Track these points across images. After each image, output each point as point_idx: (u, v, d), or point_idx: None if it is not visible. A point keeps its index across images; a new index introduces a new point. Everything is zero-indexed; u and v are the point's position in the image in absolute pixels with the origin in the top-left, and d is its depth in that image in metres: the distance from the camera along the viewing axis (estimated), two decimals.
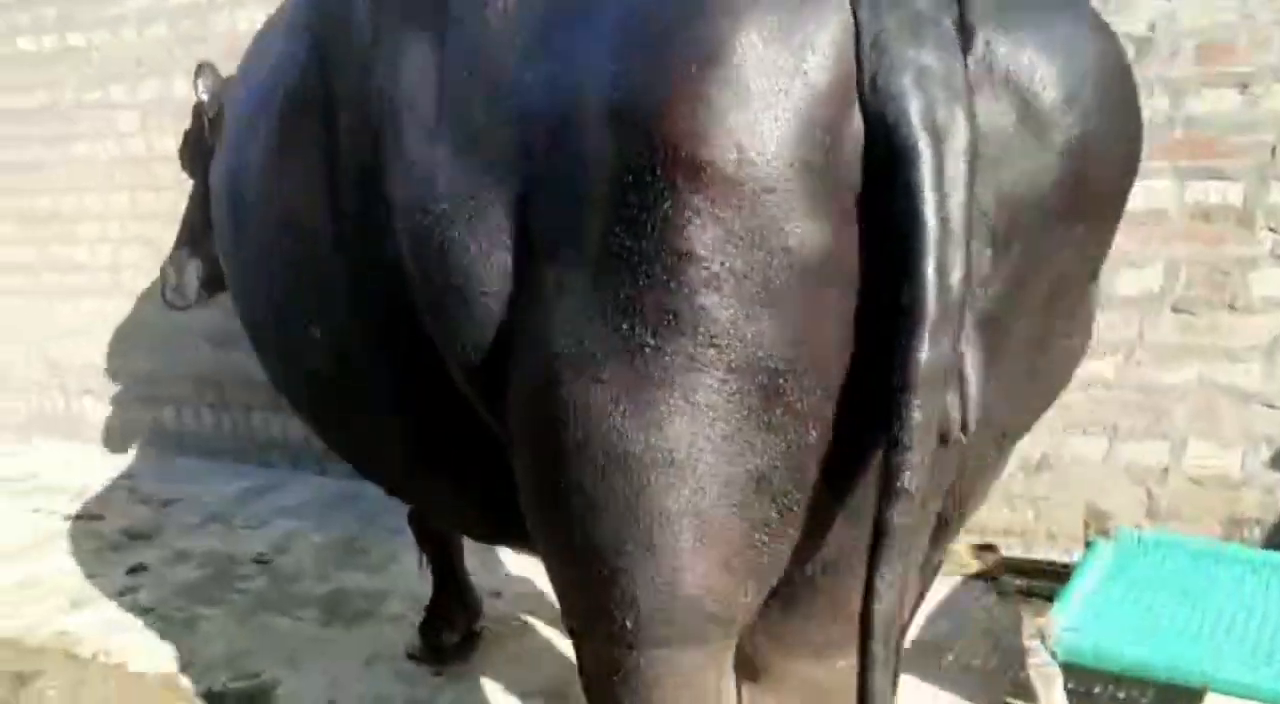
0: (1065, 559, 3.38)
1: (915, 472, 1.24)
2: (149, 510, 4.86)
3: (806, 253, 1.22)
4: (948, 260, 1.18)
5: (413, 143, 1.51)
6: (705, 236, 1.21)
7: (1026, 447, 3.50)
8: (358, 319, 1.78)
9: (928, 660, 3.04)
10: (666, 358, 1.27)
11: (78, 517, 4.80)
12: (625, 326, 1.27)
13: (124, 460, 5.65)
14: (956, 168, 1.17)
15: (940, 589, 3.39)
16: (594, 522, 1.39)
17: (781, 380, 1.27)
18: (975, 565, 3.50)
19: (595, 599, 1.46)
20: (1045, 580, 3.30)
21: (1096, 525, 3.06)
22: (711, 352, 1.25)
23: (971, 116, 1.19)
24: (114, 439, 5.84)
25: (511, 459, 1.54)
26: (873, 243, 1.23)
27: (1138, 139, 1.40)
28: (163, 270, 3.73)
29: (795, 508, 1.37)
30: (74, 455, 5.76)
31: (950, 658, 3.05)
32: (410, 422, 1.86)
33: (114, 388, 5.75)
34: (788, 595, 1.54)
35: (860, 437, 1.33)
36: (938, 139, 1.16)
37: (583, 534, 1.41)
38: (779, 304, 1.24)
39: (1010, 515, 3.56)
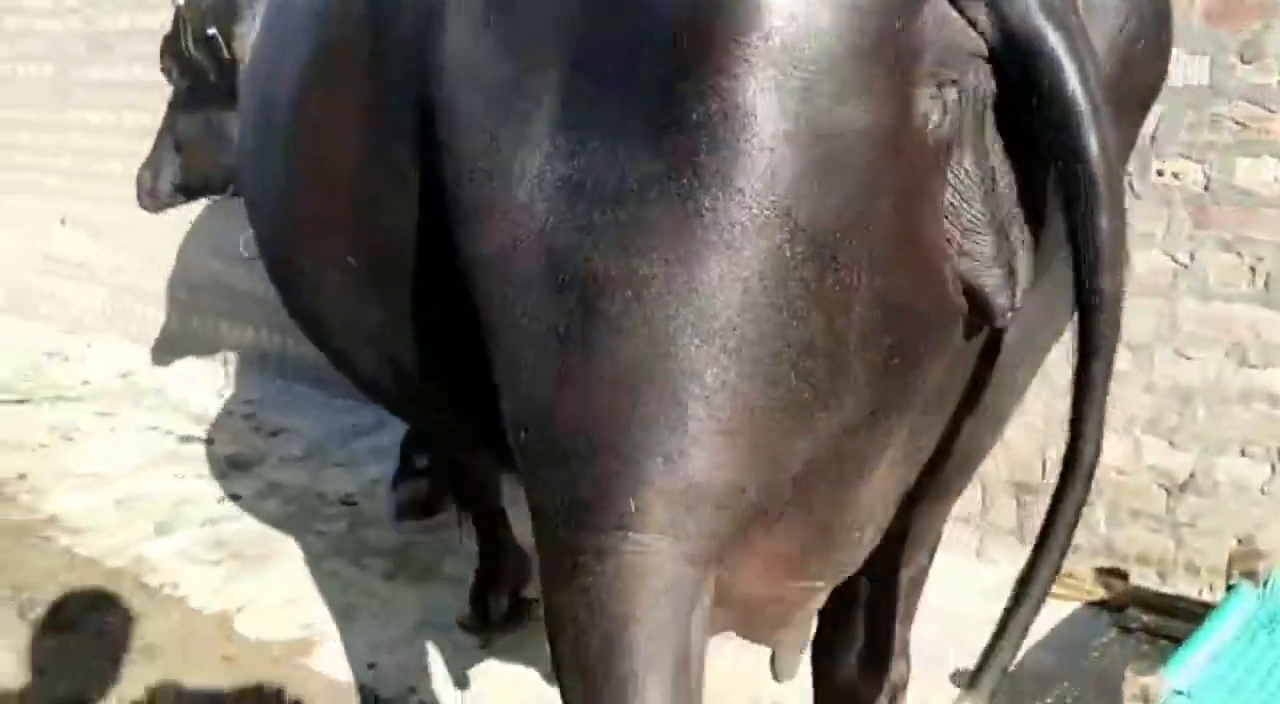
0: (1204, 598, 2.91)
1: (1115, 331, 1.27)
2: (257, 438, 4.89)
3: (867, 123, 1.22)
4: (1105, 136, 1.20)
5: (459, 39, 1.49)
6: (766, 100, 1.21)
7: (1172, 461, 3.02)
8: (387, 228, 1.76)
9: (1024, 693, 2.66)
10: (725, 221, 1.25)
11: (188, 438, 4.87)
12: (687, 193, 1.25)
13: (248, 385, 5.72)
14: (1086, 47, 1.21)
15: (1053, 614, 2.98)
16: (599, 392, 1.35)
17: (836, 251, 1.26)
18: (1099, 592, 3.07)
19: (597, 477, 1.38)
20: (1177, 620, 2.84)
21: (1244, 565, 2.58)
22: (770, 215, 1.24)
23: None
24: (243, 363, 5.93)
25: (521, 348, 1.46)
26: (933, 125, 1.24)
27: (1169, 30, 1.44)
28: (139, 174, 3.69)
29: (827, 392, 1.34)
30: (203, 375, 5.88)
31: (1049, 701, 2.66)
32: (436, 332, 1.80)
33: (247, 312, 5.81)
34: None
35: (901, 321, 1.33)
36: (1061, 23, 1.20)
37: (598, 402, 1.36)
38: (839, 172, 1.24)
39: (1146, 538, 3.09)
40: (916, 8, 1.21)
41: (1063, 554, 1.37)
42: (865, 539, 1.67)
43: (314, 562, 3.61)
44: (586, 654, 1.46)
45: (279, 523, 3.93)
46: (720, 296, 1.28)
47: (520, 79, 1.40)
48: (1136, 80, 1.40)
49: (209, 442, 4.84)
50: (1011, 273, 1.34)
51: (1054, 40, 1.20)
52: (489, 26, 1.45)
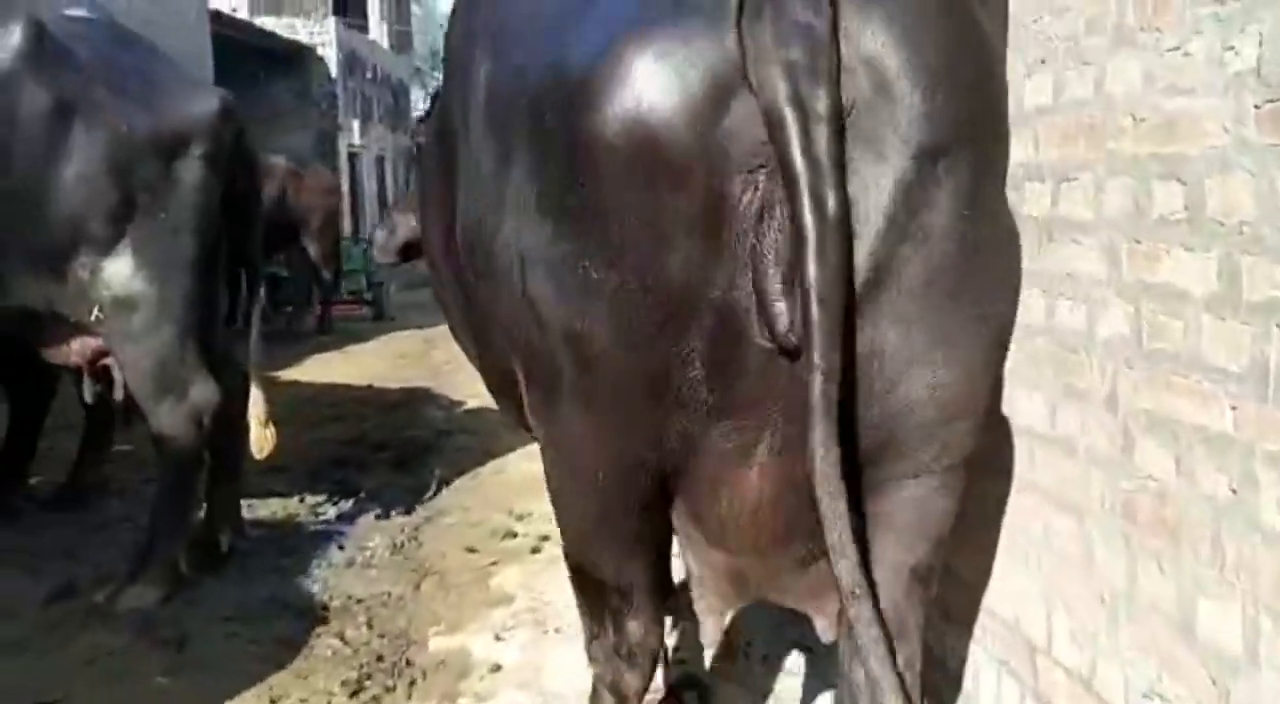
0: None
1: (827, 353, 1.61)
2: None
3: (700, 206, 1.66)
4: (822, 191, 1.58)
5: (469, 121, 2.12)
6: (624, 195, 1.69)
7: None
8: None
9: None
10: (603, 283, 1.74)
11: None
12: (576, 262, 1.76)
13: None
14: (819, 127, 1.58)
15: None
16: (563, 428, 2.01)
17: (680, 304, 1.71)
18: None
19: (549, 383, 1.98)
20: None
21: None
22: (633, 280, 1.71)
23: (832, 89, 1.60)
24: None
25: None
26: (749, 200, 1.67)
27: (972, 85, 1.75)
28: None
29: (677, 402, 1.82)
30: None
31: None
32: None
33: None
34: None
35: (740, 352, 1.77)
36: (801, 109, 1.58)
37: (550, 430, 2.07)
38: (681, 246, 1.68)
39: None
40: (724, 110, 1.63)
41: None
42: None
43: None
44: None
45: None
46: (601, 340, 1.79)
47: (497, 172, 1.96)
48: (936, 124, 1.68)
49: None
50: (805, 316, 1.62)
51: (786, 117, 1.58)
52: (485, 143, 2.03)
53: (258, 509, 5.39)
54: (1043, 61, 2.41)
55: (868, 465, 1.82)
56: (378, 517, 5.40)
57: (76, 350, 4.20)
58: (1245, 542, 1.75)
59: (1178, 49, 1.90)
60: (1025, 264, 2.01)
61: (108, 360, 4.22)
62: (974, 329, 1.80)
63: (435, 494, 5.80)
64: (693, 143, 1.63)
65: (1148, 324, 2.02)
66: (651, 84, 1.63)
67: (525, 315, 1.89)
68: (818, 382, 1.60)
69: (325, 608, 4.22)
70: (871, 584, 1.68)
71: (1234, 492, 1.77)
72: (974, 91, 1.75)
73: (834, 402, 1.62)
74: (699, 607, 2.28)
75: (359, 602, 4.29)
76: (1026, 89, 2.47)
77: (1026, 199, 2.47)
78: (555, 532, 2.39)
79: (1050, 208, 2.40)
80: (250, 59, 16.87)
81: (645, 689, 2.32)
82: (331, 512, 5.52)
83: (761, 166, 1.63)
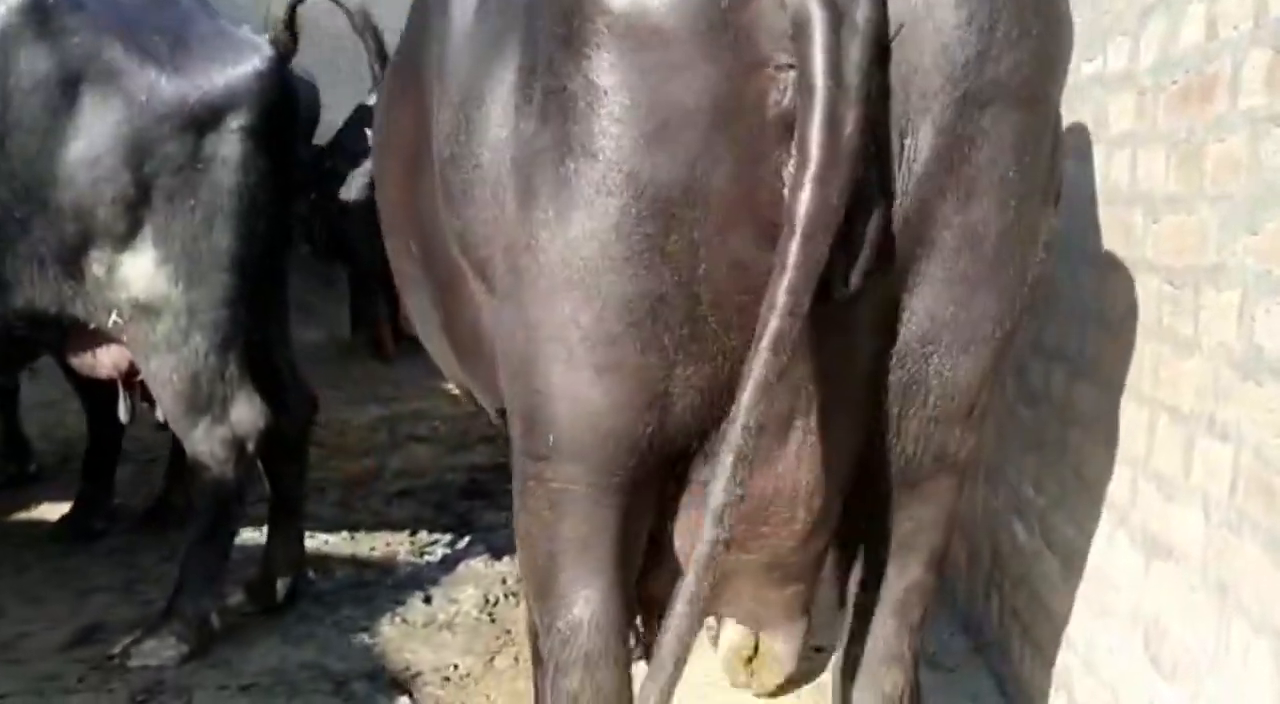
0: None
1: (787, 315, 1.42)
2: None
3: (702, 98, 1.47)
4: (839, 116, 1.40)
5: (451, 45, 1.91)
6: (613, 76, 1.49)
7: None
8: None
9: None
10: (584, 182, 1.53)
11: None
12: (560, 158, 1.55)
13: None
14: (854, 40, 1.40)
15: None
16: (521, 338, 1.68)
17: (676, 211, 1.51)
18: None
19: (527, 413, 1.72)
20: None
21: None
22: (618, 177, 1.51)
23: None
24: None
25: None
26: (773, 101, 1.48)
27: (1047, 17, 1.58)
28: None
29: (687, 339, 1.58)
30: None
31: None
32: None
33: None
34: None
35: (750, 281, 1.52)
36: (834, 10, 1.39)
37: (512, 351, 1.73)
38: (676, 141, 1.48)
39: None
40: None
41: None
42: (799, 518, 1.79)
43: None
44: (534, 566, 1.80)
45: None
46: (585, 248, 1.55)
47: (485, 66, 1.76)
48: (1000, 69, 1.52)
49: None
50: (852, 251, 1.50)
51: (815, 17, 1.39)
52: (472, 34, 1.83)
53: (361, 544, 4.76)
54: None
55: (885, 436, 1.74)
56: (487, 561, 4.62)
57: (107, 362, 3.62)
58: None
59: None
60: None
61: None
62: (1003, 297, 1.68)
63: None
64: (696, 18, 1.46)
65: None
66: None
67: (506, 230, 1.68)
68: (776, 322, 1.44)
69: (372, 679, 3.47)
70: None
71: None
72: (1041, 42, 1.57)
73: (777, 373, 1.46)
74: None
75: (415, 675, 3.51)
76: None
77: None
78: None
79: None
80: None
81: None
82: (440, 552, 4.79)
83: (791, 66, 1.45)
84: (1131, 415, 2.31)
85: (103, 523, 4.64)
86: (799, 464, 1.74)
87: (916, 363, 1.67)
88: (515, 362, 1.70)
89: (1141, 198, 2.30)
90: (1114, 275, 2.42)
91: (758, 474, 1.70)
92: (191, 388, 3.50)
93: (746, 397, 1.45)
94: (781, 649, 2.17)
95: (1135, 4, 2.37)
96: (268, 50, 3.51)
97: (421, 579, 4.44)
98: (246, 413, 3.58)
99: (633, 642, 2.19)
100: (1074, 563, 2.59)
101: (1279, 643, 1.70)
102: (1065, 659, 2.64)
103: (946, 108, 1.50)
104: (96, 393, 4.38)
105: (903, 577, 1.88)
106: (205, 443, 3.56)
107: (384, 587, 4.33)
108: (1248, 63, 1.83)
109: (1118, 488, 2.37)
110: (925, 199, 1.54)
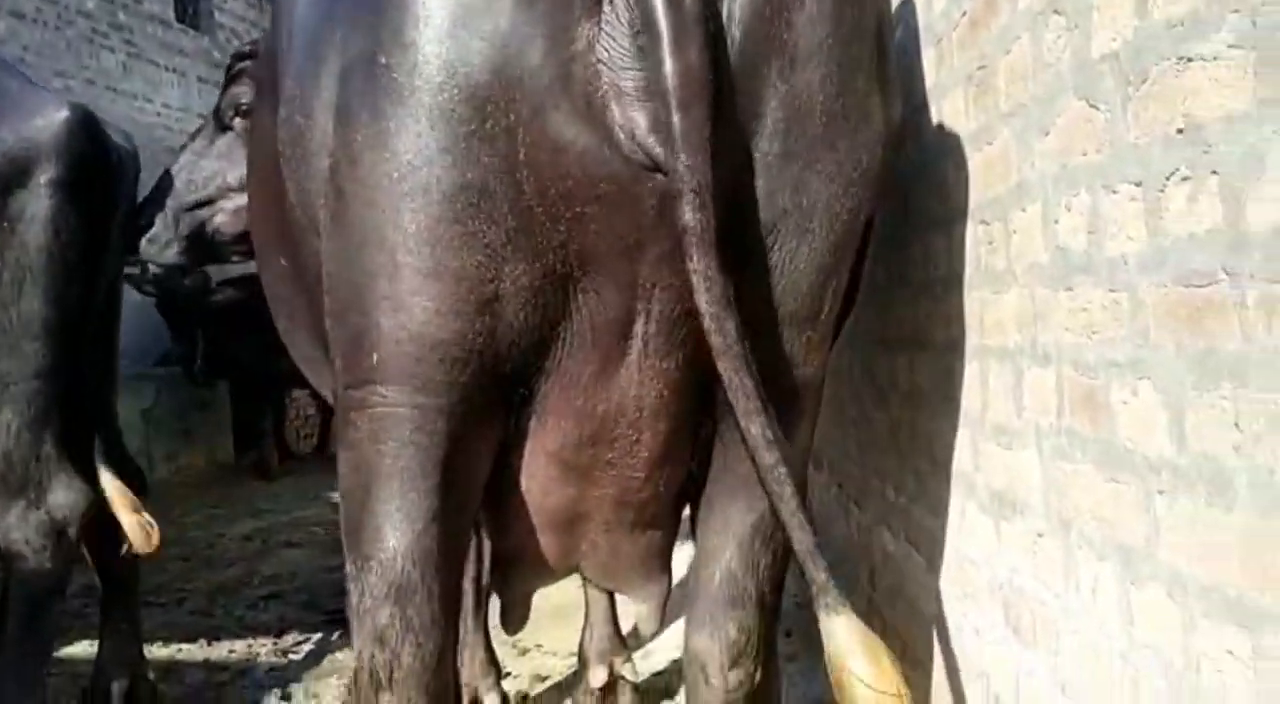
0: None
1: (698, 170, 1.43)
2: None
3: None
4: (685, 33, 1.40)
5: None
6: None
7: None
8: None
9: None
10: (396, 76, 1.50)
11: None
12: (371, 55, 1.53)
13: None
14: None
15: None
16: (344, 263, 1.61)
17: (489, 93, 1.47)
18: None
19: (351, 335, 1.62)
20: None
21: None
22: (427, 66, 1.48)
23: None
24: None
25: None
26: None
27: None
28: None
29: (515, 232, 1.51)
30: None
31: None
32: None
33: None
34: None
35: (573, 164, 1.49)
36: None
37: (337, 282, 1.64)
38: (483, 22, 1.47)
39: None
40: None
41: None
42: (643, 442, 1.73)
43: None
44: (351, 501, 1.69)
45: None
46: (403, 144, 1.50)
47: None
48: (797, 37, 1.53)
49: None
50: (667, 120, 1.42)
51: None
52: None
53: (219, 649, 4.40)
54: None
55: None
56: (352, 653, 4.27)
57: None
58: None
59: None
60: None
61: None
62: (836, 179, 1.62)
63: None
64: None
65: None
66: None
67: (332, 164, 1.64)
68: (689, 202, 1.42)
69: None
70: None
71: None
72: None
73: (711, 229, 1.43)
74: (507, 577, 2.03)
75: None
76: None
77: None
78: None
79: None
80: None
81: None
82: (305, 650, 4.43)
83: None
84: (968, 374, 2.20)
85: None
86: (640, 377, 1.66)
87: (759, 256, 1.60)
88: (340, 292, 1.62)
89: (951, 151, 2.24)
90: (934, 236, 2.35)
91: (595, 388, 1.65)
92: (3, 468, 3.20)
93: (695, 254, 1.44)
94: (641, 611, 2.02)
95: None
96: (75, 105, 3.35)
97: (284, 678, 4.08)
98: (66, 495, 3.28)
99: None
100: (935, 553, 2.43)
101: (1121, 561, 1.56)
102: (941, 660, 2.45)
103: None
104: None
105: (749, 512, 1.79)
106: (19, 530, 3.22)
107: (239, 688, 3.97)
108: None
109: (961, 456, 2.24)
110: (753, 65, 1.51)
